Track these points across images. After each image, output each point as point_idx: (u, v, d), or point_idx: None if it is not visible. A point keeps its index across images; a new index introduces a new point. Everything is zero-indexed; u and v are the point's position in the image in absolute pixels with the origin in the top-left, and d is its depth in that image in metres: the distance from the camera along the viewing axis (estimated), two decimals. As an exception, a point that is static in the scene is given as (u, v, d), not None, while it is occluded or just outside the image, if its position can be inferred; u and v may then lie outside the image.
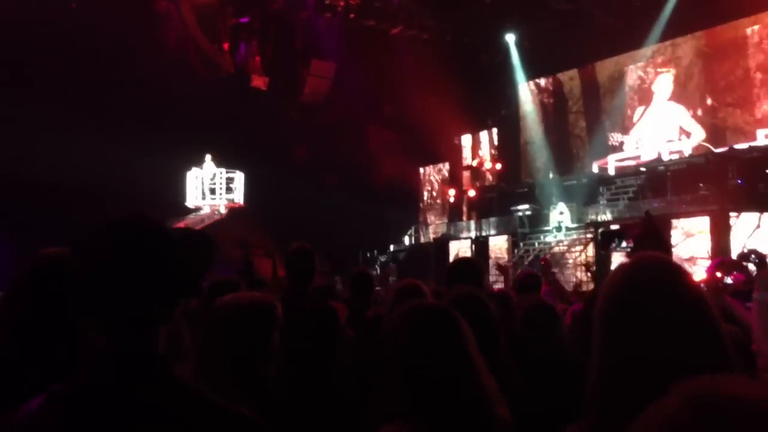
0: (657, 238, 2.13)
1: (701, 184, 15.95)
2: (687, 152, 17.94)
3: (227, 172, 19.13)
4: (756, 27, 17.09)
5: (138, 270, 1.30)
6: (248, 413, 1.34)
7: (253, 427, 1.34)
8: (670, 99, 18.89)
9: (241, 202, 19.30)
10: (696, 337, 1.32)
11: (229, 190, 19.20)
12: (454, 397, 1.75)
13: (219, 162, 18.97)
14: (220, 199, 19.07)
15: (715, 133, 17.70)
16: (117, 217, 1.38)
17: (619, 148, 19.78)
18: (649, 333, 1.31)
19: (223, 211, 18.80)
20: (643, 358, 1.30)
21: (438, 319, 1.87)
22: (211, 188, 19.06)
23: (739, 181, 15.48)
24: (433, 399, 1.74)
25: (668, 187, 16.80)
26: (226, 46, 16.96)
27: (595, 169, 20.22)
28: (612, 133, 19.84)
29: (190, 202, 19.16)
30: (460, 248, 20.38)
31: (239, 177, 19.33)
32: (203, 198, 19.08)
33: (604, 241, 2.33)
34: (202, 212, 18.97)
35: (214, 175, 19.02)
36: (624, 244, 2.37)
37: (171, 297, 1.37)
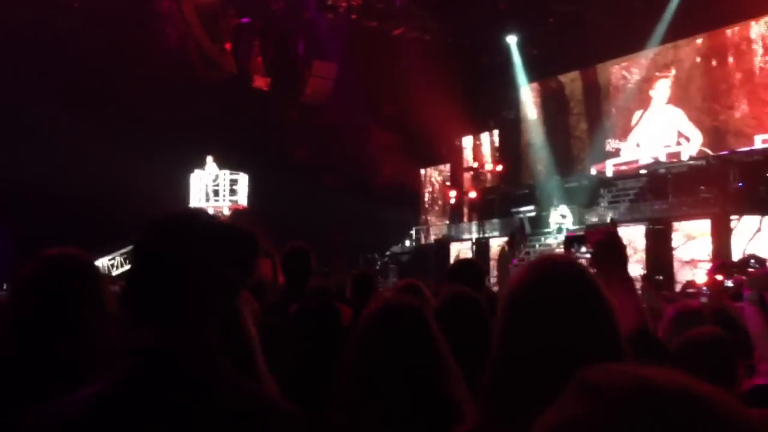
0: (614, 248, 2.15)
1: (702, 187, 15.91)
2: (685, 158, 17.94)
3: (231, 174, 19.12)
4: (759, 30, 17.09)
5: (188, 268, 1.31)
6: (295, 410, 1.36)
7: (299, 424, 1.35)
8: (669, 102, 18.90)
9: (245, 204, 19.27)
10: (586, 328, 1.38)
11: (232, 192, 19.17)
12: (415, 396, 1.74)
13: (221, 163, 18.96)
14: (224, 201, 19.05)
15: (716, 136, 17.70)
16: (168, 215, 1.39)
17: (616, 153, 19.79)
18: (543, 325, 1.38)
19: (226, 212, 18.79)
20: (538, 349, 1.35)
21: (403, 316, 1.86)
22: (214, 190, 19.05)
23: (740, 184, 15.46)
24: (393, 397, 1.73)
25: (669, 189, 16.77)
26: (228, 46, 16.97)
27: (593, 173, 20.25)
28: (609, 139, 19.84)
29: (194, 203, 19.16)
30: (460, 249, 20.36)
31: (243, 179, 19.31)
32: (207, 200, 19.07)
33: (566, 246, 2.35)
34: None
35: (217, 176, 19.00)
36: (583, 249, 2.37)
37: (221, 295, 1.37)
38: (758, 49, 17.14)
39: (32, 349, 1.74)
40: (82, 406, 1.26)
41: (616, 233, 2.16)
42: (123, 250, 16.95)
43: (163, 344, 1.29)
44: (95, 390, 1.29)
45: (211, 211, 19.04)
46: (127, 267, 15.85)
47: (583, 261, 1.86)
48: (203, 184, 18.99)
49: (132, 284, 1.34)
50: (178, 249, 1.32)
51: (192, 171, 18.96)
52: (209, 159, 19.00)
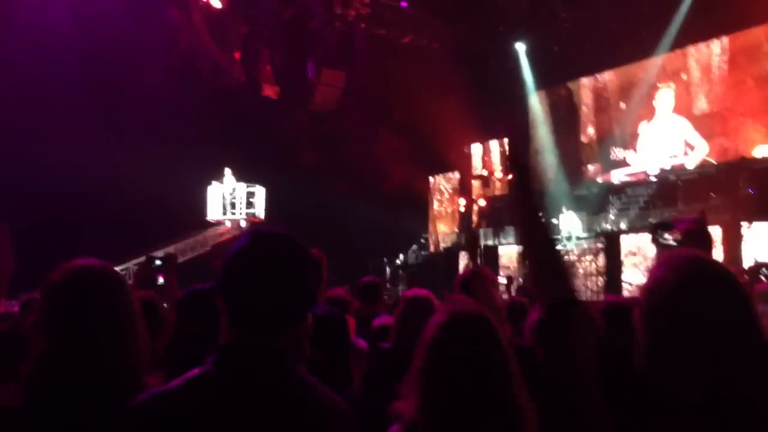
0: (703, 238, 2.13)
1: (712, 194, 15.85)
2: (690, 168, 17.89)
3: (248, 187, 19.19)
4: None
5: (280, 279, 1.49)
6: (349, 408, 1.57)
7: (350, 422, 1.55)
8: (674, 112, 18.85)
9: (262, 216, 19.33)
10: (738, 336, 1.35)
11: (249, 204, 19.25)
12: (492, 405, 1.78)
13: (239, 176, 19.04)
14: (241, 213, 19.12)
15: (725, 143, 17.60)
16: (265, 230, 1.60)
17: (623, 162, 19.75)
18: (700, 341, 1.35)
19: (243, 225, 18.85)
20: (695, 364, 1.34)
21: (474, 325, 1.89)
22: (231, 202, 19.14)
23: (751, 191, 15.39)
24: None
25: (679, 196, 16.71)
26: (237, 54, 17.03)
27: (600, 181, 20.25)
28: (614, 148, 19.80)
29: (211, 216, 19.23)
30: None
31: (260, 191, 19.38)
32: (224, 212, 19.16)
33: (653, 231, 2.30)
34: (222, 227, 19.00)
35: (234, 189, 19.09)
36: (667, 236, 2.33)
37: (303, 304, 1.56)
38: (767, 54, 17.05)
39: (65, 360, 1.77)
40: (169, 393, 1.45)
41: (705, 222, 2.14)
42: (135, 261, 17.04)
43: (268, 345, 1.48)
44: (183, 381, 1.46)
45: (228, 224, 19.13)
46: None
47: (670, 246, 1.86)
48: (221, 196, 19.07)
49: (233, 288, 1.50)
50: (284, 260, 1.51)
51: (209, 182, 19.06)
52: (227, 171, 19.08)
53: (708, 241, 2.12)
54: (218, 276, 1.54)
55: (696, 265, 1.44)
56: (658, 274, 1.46)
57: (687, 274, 1.41)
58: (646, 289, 1.46)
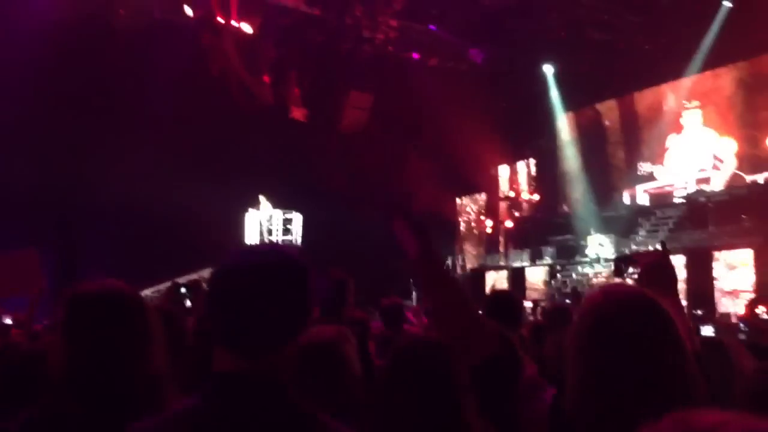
0: (665, 271, 2.16)
1: (743, 216, 15.64)
2: (716, 183, 17.74)
3: (284, 213, 19.32)
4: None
5: (265, 302, 1.38)
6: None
7: None
8: (705, 126, 18.75)
9: (299, 242, 19.43)
10: (659, 356, 1.41)
11: (286, 231, 19.35)
12: None
13: (277, 203, 19.19)
14: (277, 240, 19.27)
15: (755, 165, 17.39)
16: (252, 248, 1.51)
17: (650, 177, 19.60)
18: (620, 354, 1.41)
19: None
20: (621, 381, 1.39)
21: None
22: (269, 229, 19.29)
23: (784, 213, 15.16)
24: None
25: (709, 218, 16.50)
26: (266, 78, 17.29)
27: (626, 198, 20.10)
28: (641, 163, 19.66)
29: (249, 242, 19.43)
30: (496, 279, 20.27)
31: (297, 218, 19.50)
32: (261, 239, 19.30)
33: (616, 267, 2.34)
34: None
35: (270, 216, 19.24)
36: (631, 270, 2.38)
37: (293, 327, 1.44)
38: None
39: (91, 382, 1.78)
40: (159, 426, 1.36)
41: (667, 256, 2.18)
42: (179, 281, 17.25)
43: (258, 371, 1.36)
44: (174, 412, 1.38)
45: None
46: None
47: (632, 282, 1.89)
48: (258, 223, 19.23)
49: (220, 312, 1.40)
50: (269, 276, 1.39)
51: (246, 209, 19.24)
52: (262, 199, 19.24)
53: (669, 276, 2.15)
54: (206, 299, 1.47)
55: (622, 294, 1.53)
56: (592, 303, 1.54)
57: (616, 301, 1.50)
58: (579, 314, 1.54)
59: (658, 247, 2.35)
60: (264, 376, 1.37)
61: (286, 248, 1.49)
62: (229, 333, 1.39)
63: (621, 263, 2.44)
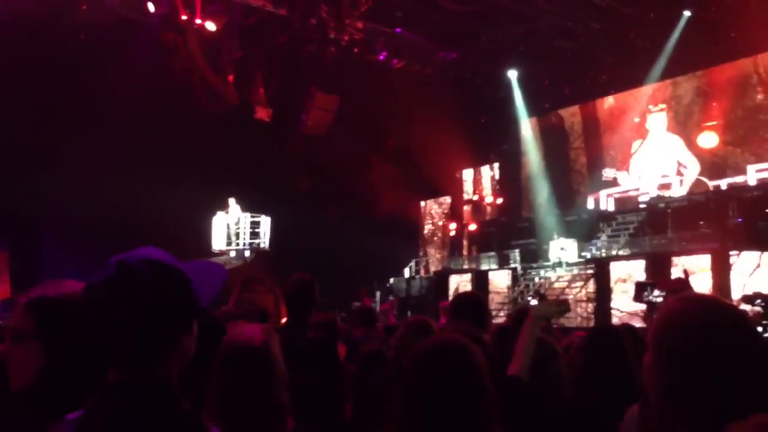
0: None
1: (702, 222, 15.97)
2: (677, 188, 18.12)
3: (252, 217, 19.11)
4: (756, 66, 17.30)
5: (136, 310, 1.35)
6: None
7: None
8: (668, 131, 19.12)
9: (267, 246, 19.23)
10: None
11: (254, 234, 19.13)
12: None
13: (246, 206, 18.98)
14: (245, 243, 19.03)
15: (713, 172, 17.80)
16: (123, 256, 1.42)
17: (613, 183, 19.90)
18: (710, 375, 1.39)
19: (247, 255, 18.75)
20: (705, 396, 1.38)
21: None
22: (236, 232, 19.04)
23: (740, 220, 15.51)
24: None
25: (669, 224, 16.82)
26: (230, 78, 17.10)
27: (590, 203, 20.38)
28: (606, 169, 19.95)
29: (216, 246, 19.13)
30: (460, 282, 20.35)
31: (265, 221, 19.30)
32: (228, 243, 19.05)
33: (638, 291, 2.38)
34: (225, 257, 18.89)
35: (239, 219, 19.01)
36: (657, 293, 2.44)
37: (165, 337, 1.40)
38: (756, 85, 17.32)
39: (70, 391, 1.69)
40: None
41: (688, 282, 2.20)
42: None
43: (121, 379, 1.36)
44: (65, 424, 1.36)
45: (232, 254, 19.00)
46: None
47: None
48: (225, 226, 18.97)
49: (93, 325, 1.38)
50: (131, 292, 1.36)
51: (214, 212, 18.96)
52: (231, 201, 18.99)
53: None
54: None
55: (712, 306, 1.50)
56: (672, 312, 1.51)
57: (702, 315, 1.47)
58: (662, 328, 1.50)
59: (681, 275, 2.41)
60: (143, 386, 1.36)
61: (152, 255, 1.43)
62: (102, 349, 1.38)
63: (642, 288, 2.48)
